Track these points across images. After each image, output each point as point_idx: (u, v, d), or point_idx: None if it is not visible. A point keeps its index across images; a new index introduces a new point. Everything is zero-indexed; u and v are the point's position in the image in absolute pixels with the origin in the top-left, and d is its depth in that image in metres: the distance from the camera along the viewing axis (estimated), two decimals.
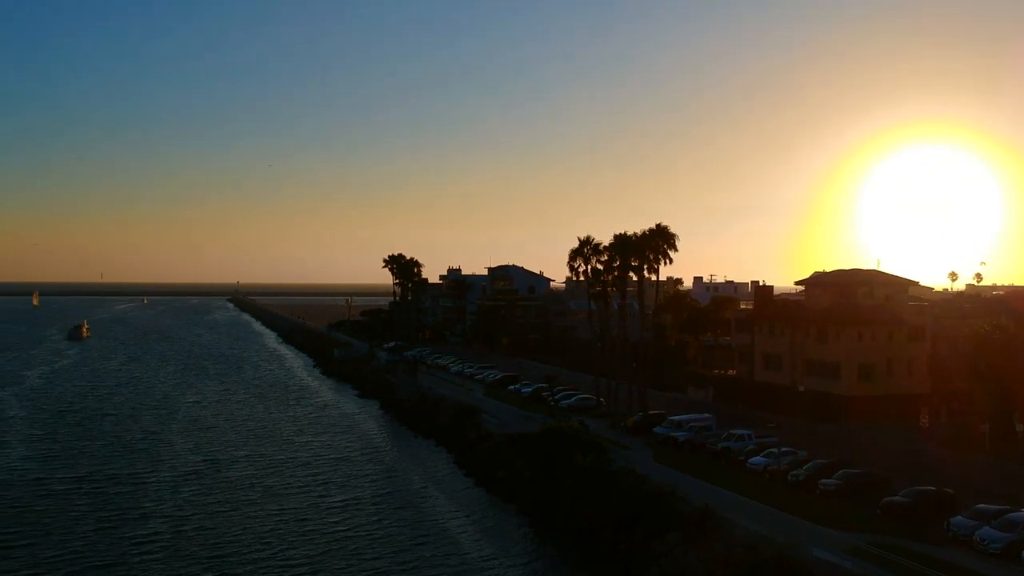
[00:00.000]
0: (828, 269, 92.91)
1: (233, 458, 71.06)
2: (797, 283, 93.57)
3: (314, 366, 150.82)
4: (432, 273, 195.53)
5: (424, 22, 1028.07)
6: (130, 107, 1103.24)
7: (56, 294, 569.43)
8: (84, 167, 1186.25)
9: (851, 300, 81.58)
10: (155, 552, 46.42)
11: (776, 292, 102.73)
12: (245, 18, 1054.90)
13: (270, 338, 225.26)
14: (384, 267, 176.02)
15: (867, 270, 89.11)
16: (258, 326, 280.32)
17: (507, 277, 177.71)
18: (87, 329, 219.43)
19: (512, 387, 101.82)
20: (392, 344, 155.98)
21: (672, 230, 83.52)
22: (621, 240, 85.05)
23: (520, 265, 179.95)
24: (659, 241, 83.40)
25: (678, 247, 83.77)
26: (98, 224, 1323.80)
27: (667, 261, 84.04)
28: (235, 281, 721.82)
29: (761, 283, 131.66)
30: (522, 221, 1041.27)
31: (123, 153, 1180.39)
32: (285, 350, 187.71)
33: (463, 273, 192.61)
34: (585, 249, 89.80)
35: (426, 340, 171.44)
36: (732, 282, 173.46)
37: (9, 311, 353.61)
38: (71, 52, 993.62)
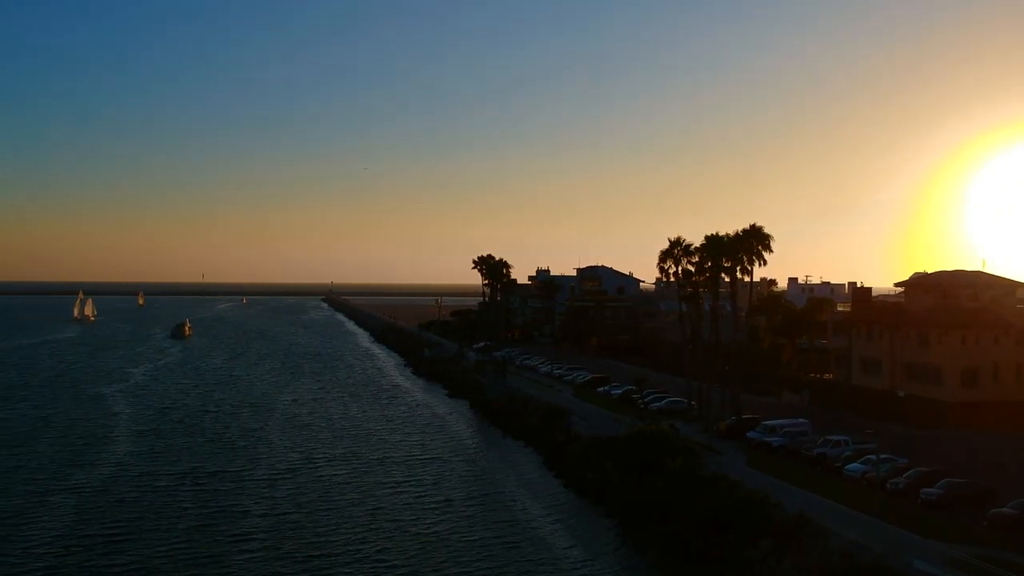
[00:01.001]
0: (929, 270, 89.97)
1: (329, 456, 72.42)
2: (896, 285, 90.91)
3: (405, 365, 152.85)
4: (521, 274, 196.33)
5: (512, 23, 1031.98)
6: (227, 112, 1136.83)
7: (160, 294, 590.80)
8: (186, 172, 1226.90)
9: (954, 302, 78.89)
10: (254, 549, 47.57)
11: (874, 294, 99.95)
12: (332, 19, 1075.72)
13: (363, 337, 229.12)
14: (473, 268, 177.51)
15: (971, 271, 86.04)
16: (351, 326, 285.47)
17: (596, 278, 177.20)
18: (189, 328, 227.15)
19: (601, 389, 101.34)
20: (481, 344, 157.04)
21: (766, 231, 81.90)
22: (713, 241, 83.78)
23: (609, 266, 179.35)
24: (753, 242, 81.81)
25: (772, 248, 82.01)
26: (200, 226, 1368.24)
27: (761, 262, 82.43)
28: (329, 281, 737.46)
29: (859, 285, 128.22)
30: (612, 222, 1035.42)
31: (221, 157, 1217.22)
32: (377, 349, 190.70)
33: (552, 274, 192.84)
34: (676, 250, 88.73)
35: (515, 340, 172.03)
36: (828, 283, 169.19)
37: (117, 311, 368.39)
38: (171, 56, 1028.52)
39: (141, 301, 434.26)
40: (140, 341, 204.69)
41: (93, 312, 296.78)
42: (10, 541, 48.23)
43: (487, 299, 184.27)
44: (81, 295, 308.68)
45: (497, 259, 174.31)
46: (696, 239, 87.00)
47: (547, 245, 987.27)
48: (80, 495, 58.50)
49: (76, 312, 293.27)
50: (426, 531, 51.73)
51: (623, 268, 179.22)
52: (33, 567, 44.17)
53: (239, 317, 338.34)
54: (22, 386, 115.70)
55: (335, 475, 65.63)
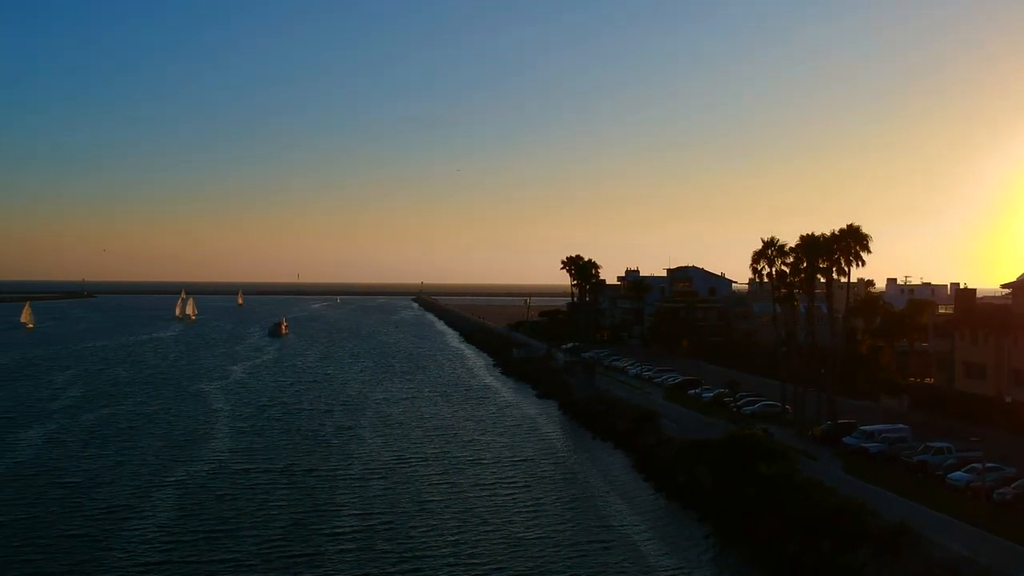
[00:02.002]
0: None
1: (421, 456, 73.24)
2: (1003, 286, 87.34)
3: (494, 365, 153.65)
4: (610, 274, 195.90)
5: (603, 24, 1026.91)
6: (323, 115, 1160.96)
7: (258, 294, 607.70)
8: (283, 174, 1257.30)
9: None
10: (348, 547, 48.31)
11: (979, 295, 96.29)
12: (445, 21, 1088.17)
13: (452, 337, 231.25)
14: (562, 269, 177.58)
15: None
16: (441, 325, 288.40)
17: (687, 278, 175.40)
18: (286, 327, 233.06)
19: (692, 391, 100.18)
20: (570, 345, 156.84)
21: (864, 230, 79.73)
22: (808, 241, 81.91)
23: (700, 266, 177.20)
24: (850, 242, 79.72)
25: (871, 248, 79.84)
26: (295, 228, 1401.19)
27: (859, 263, 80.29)
28: (419, 282, 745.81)
29: (962, 286, 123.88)
30: (703, 222, 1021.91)
31: (316, 160, 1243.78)
32: (466, 349, 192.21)
33: (641, 274, 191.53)
34: (769, 251, 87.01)
35: (604, 341, 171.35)
36: (929, 284, 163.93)
37: (217, 309, 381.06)
38: (279, 58, 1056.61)
39: (240, 300, 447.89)
40: (238, 339, 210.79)
41: (194, 311, 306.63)
42: (116, 534, 50.14)
43: (576, 300, 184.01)
44: (183, 295, 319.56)
45: (586, 259, 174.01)
46: (790, 239, 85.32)
47: (637, 246, 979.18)
48: (182, 490, 60.48)
49: (178, 311, 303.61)
50: (518, 533, 51.80)
51: (715, 269, 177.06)
52: (138, 560, 45.77)
53: (332, 316, 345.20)
54: (128, 382, 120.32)
55: (427, 475, 66.33)
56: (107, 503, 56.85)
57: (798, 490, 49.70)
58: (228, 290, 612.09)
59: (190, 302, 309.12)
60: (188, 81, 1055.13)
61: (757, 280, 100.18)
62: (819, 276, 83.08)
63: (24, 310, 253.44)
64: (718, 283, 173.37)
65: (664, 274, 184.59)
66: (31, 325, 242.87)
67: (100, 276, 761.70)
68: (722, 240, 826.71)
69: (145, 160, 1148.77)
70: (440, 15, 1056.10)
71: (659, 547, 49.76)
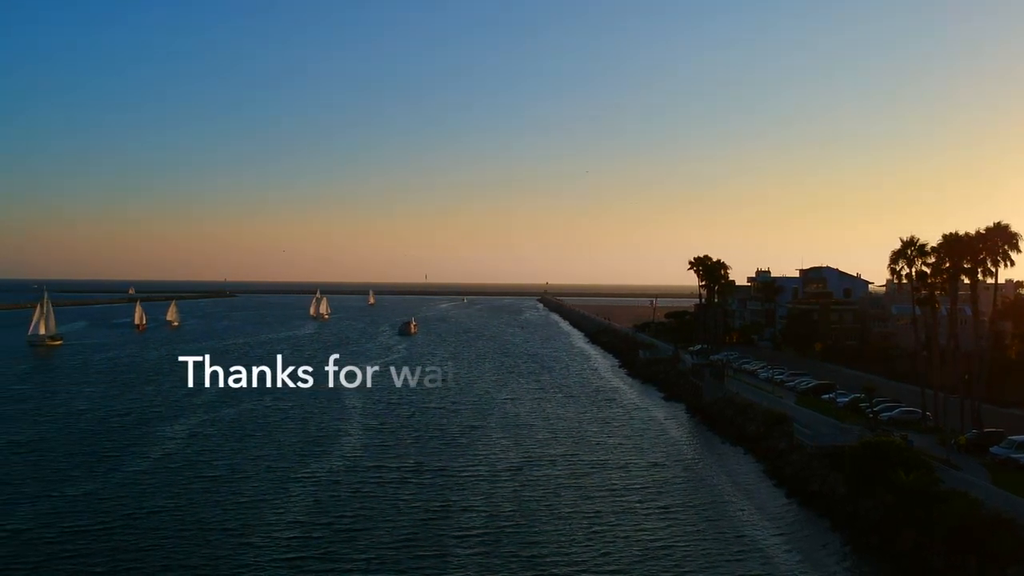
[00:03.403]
0: None
1: (547, 457, 73.33)
2: None
3: (619, 367, 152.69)
4: (739, 275, 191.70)
5: (706, 25, 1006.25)
6: (450, 118, 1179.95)
7: (388, 294, 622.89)
8: (412, 178, 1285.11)
9: None
10: (475, 546, 48.76)
11: None
12: (545, 21, 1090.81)
13: (577, 338, 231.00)
14: (689, 269, 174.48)
15: None
16: (565, 326, 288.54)
17: (820, 279, 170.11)
18: (415, 326, 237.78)
19: (826, 396, 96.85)
20: (697, 347, 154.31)
21: (1013, 228, 75.50)
22: (951, 240, 78.04)
23: (834, 267, 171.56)
24: (997, 241, 75.60)
25: (1021, 247, 75.49)
26: (424, 229, 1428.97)
27: (1007, 263, 76.05)
28: (544, 282, 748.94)
29: None
30: (837, 221, 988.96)
31: (443, 164, 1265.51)
32: (591, 350, 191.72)
33: (772, 275, 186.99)
34: (909, 251, 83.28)
35: (733, 343, 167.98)
36: None
37: (351, 308, 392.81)
38: (391, 61, 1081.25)
39: (371, 300, 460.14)
40: (369, 338, 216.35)
41: (327, 310, 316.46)
42: (253, 526, 52.14)
43: (703, 301, 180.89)
44: (318, 294, 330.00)
45: (714, 260, 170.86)
46: (931, 238, 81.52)
47: (767, 246, 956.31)
48: (316, 485, 62.42)
49: (313, 310, 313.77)
50: (647, 538, 51.18)
51: (850, 269, 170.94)
52: (273, 553, 47.48)
53: (459, 316, 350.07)
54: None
55: (554, 476, 66.32)
56: (245, 496, 59.19)
57: (940, 501, 47.46)
58: (359, 290, 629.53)
59: (324, 301, 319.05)
60: (328, 84, 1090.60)
61: (895, 281, 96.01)
62: (963, 277, 79.15)
63: (170, 308, 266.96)
64: (853, 284, 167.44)
65: (796, 275, 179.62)
66: (176, 323, 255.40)
67: (240, 276, 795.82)
68: (858, 240, 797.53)
69: (283, 164, 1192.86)
70: (595, 13, 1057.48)
71: (793, 556, 48.39)
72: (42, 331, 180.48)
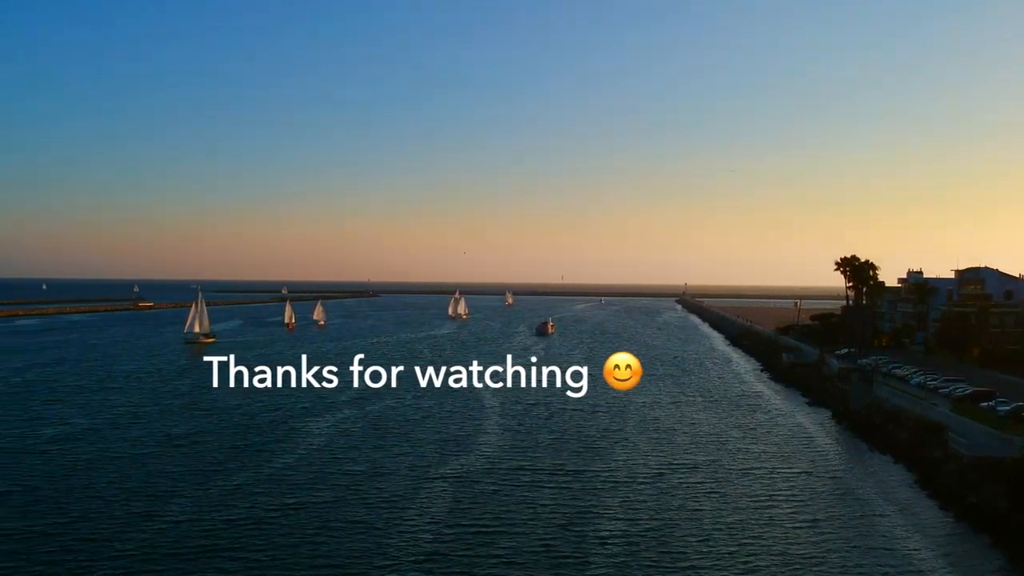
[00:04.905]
0: None
1: (688, 463, 71.95)
2: None
3: (762, 370, 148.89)
4: (889, 276, 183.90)
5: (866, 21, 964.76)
6: (580, 121, 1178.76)
7: (524, 294, 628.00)
8: (546, 178, 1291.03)
9: None
10: (614, 554, 48.10)
11: None
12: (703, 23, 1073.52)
13: (717, 340, 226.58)
14: (836, 270, 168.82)
15: None
16: (705, 328, 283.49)
17: (978, 280, 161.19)
18: (552, 326, 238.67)
19: (985, 404, 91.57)
20: (844, 351, 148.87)
21: None
22: None
23: (994, 267, 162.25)
24: None
25: None
26: (558, 230, 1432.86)
27: None
28: (682, 283, 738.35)
29: None
30: (998, 218, 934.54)
31: (575, 165, 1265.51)
32: (732, 353, 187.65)
33: (925, 276, 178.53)
34: None
35: (882, 347, 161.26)
36: None
37: (488, 309, 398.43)
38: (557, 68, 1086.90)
39: (510, 300, 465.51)
40: (507, 338, 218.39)
41: (466, 310, 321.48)
42: (394, 523, 53.28)
43: (851, 302, 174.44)
44: (456, 295, 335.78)
45: (862, 260, 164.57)
46: None
47: (920, 245, 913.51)
48: (455, 484, 63.33)
49: (451, 310, 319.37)
50: (794, 551, 49.35)
51: (1012, 269, 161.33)
52: (414, 550, 48.38)
53: (596, 317, 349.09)
54: (405, 377, 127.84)
55: (696, 483, 64.96)
56: (387, 492, 60.62)
57: None
58: (496, 291, 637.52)
59: (462, 302, 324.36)
60: (475, 91, 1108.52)
61: None
62: None
63: (316, 308, 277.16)
64: (1015, 286, 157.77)
65: (951, 275, 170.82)
66: (322, 322, 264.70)
67: (383, 277, 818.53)
68: (1020, 239, 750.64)
69: (425, 170, 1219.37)
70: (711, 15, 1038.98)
71: (950, 574, 45.86)
72: (197, 329, 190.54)
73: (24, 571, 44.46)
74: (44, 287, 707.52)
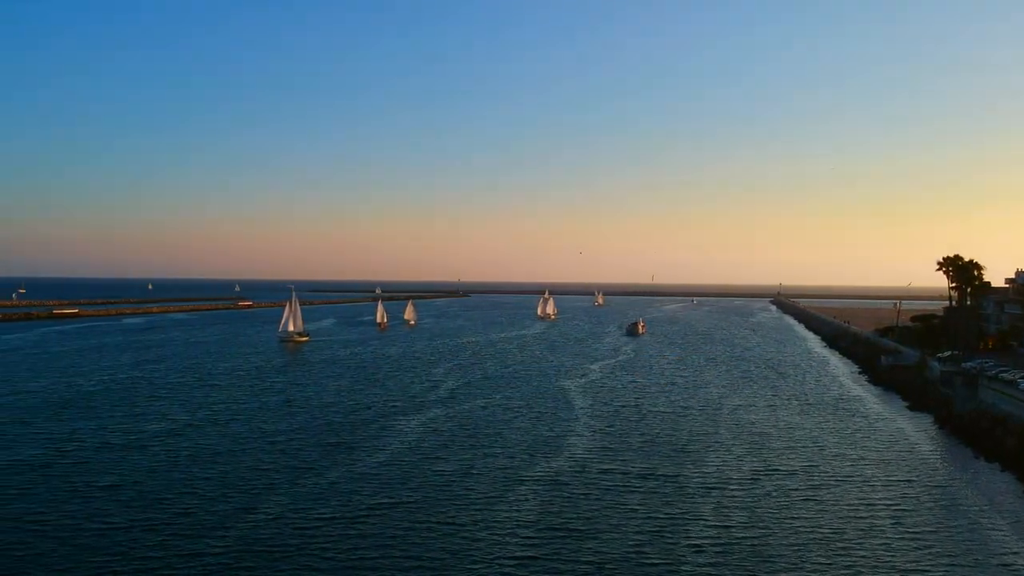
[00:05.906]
0: None
1: (784, 469, 70.06)
2: None
3: (859, 373, 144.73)
4: (996, 276, 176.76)
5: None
6: (685, 120, 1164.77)
7: (614, 295, 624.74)
8: (641, 179, 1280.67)
9: None
10: (704, 563, 47.04)
11: None
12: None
13: (813, 342, 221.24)
14: (938, 270, 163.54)
15: None
16: (800, 329, 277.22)
17: None
18: (643, 327, 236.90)
19: None
20: (947, 353, 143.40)
21: None
22: None
23: None
24: None
25: None
26: (649, 229, 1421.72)
27: None
28: (777, 283, 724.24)
29: None
30: None
31: (675, 165, 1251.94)
32: (829, 355, 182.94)
33: None
34: None
35: (988, 350, 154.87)
36: None
37: (577, 309, 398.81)
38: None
39: (600, 301, 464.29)
40: (596, 338, 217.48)
41: (555, 310, 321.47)
42: (484, 524, 53.23)
43: (954, 303, 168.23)
44: (546, 295, 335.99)
45: (967, 260, 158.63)
46: None
47: None
48: (544, 486, 62.93)
49: (540, 310, 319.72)
50: (894, 562, 47.37)
51: None
52: (503, 552, 48.24)
53: (688, 317, 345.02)
54: (495, 377, 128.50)
55: (791, 490, 63.07)
56: (477, 493, 60.68)
57: None
58: (585, 291, 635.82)
59: (551, 302, 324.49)
60: (562, 95, 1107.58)
61: None
62: None
63: (407, 308, 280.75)
64: None
65: None
66: (413, 322, 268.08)
67: (473, 276, 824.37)
68: None
69: (514, 169, 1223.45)
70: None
71: None
72: (291, 328, 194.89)
73: (129, 563, 45.92)
74: (150, 287, 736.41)
